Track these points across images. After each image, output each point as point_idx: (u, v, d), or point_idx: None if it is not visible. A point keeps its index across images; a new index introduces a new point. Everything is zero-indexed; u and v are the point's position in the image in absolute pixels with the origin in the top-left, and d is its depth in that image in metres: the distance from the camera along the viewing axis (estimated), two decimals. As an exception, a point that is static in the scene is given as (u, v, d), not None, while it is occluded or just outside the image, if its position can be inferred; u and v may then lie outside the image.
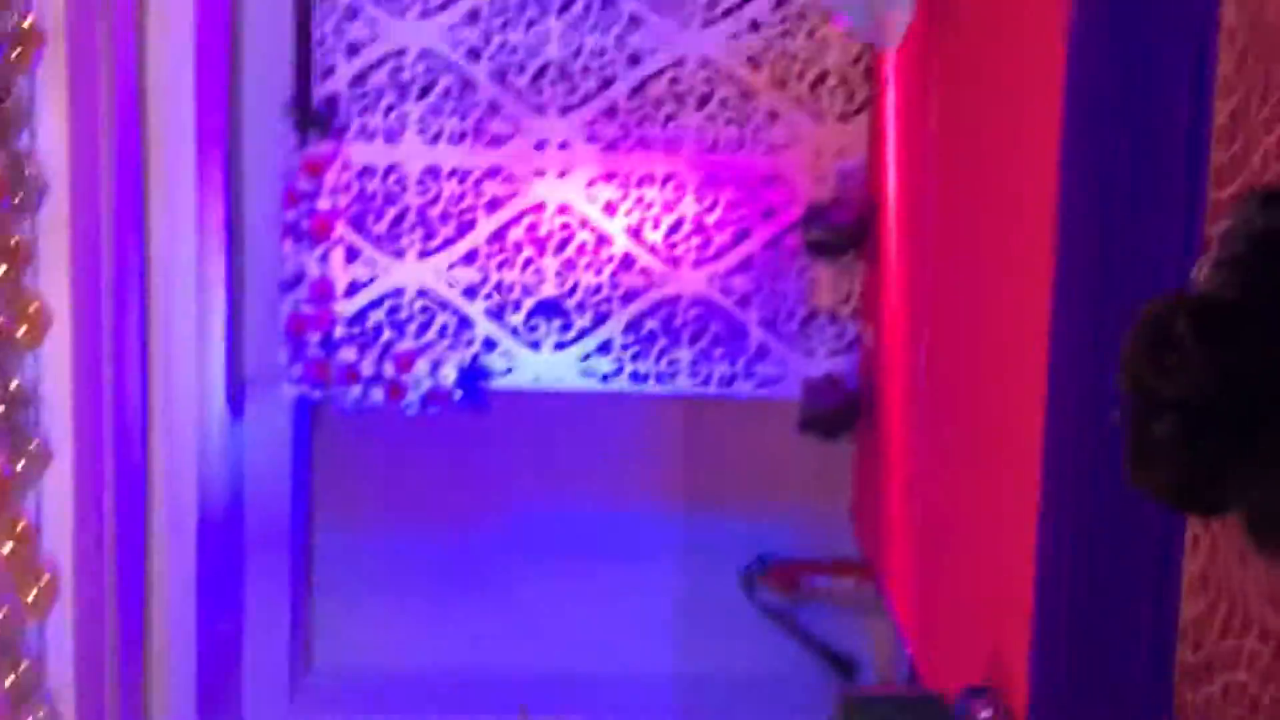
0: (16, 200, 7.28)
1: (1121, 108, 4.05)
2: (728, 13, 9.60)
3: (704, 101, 9.65)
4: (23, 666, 7.43)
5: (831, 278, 9.74)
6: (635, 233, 9.67)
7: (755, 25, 9.61)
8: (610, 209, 9.68)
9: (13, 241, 7.33)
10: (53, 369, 7.57)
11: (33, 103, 7.47)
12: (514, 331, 9.79)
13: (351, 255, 9.82)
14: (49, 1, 7.41)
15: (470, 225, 9.80)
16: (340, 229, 9.71)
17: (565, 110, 9.68)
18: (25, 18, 7.30)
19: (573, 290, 9.77)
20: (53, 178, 7.52)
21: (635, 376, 9.79)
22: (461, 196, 9.76)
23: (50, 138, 7.53)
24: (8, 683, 7.34)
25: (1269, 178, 3.46)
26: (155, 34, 8.65)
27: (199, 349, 9.15)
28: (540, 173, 9.71)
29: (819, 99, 9.68)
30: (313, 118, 9.57)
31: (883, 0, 7.43)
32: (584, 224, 9.71)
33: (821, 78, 9.65)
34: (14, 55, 7.25)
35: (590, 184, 9.67)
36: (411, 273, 9.84)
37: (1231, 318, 1.97)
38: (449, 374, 9.66)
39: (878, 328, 8.89)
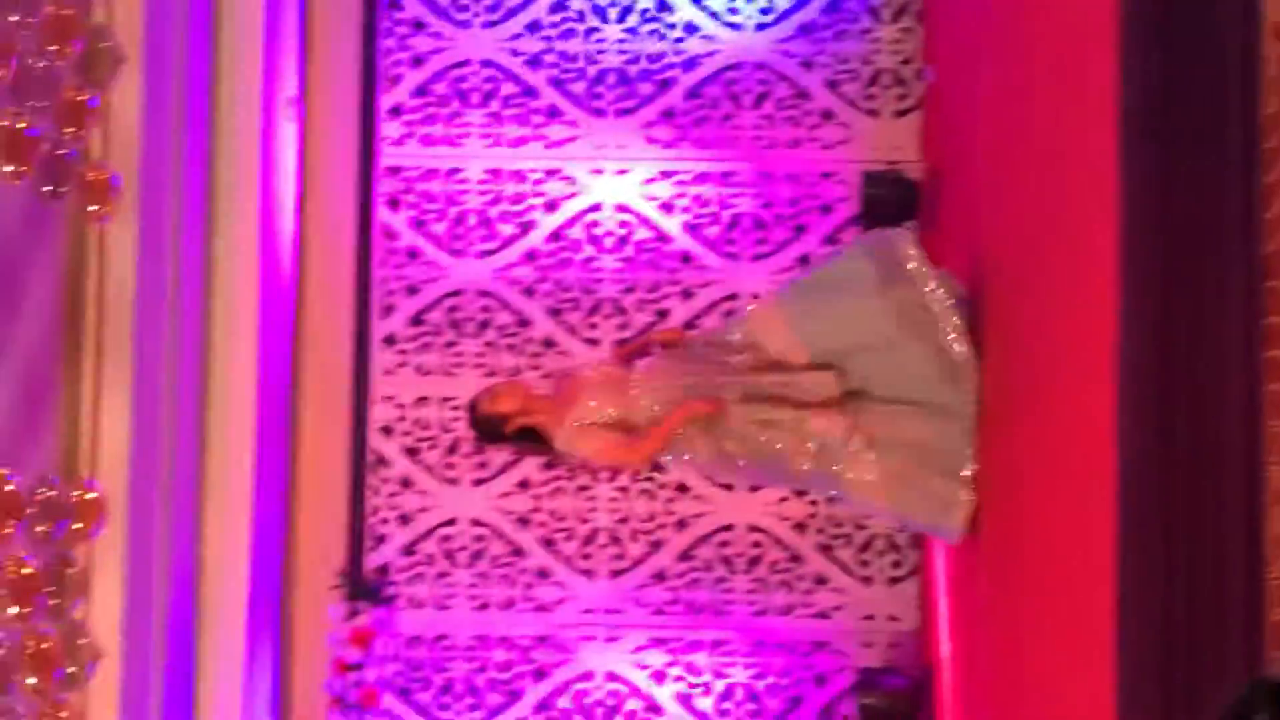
0: (69, 671, 7.29)
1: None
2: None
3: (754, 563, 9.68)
4: None
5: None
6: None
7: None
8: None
9: (63, 714, 7.29)
10: None
11: (89, 573, 7.58)
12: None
13: (398, 728, 9.69)
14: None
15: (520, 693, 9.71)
16: (387, 701, 9.61)
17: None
18: (89, 490, 7.48)
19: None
20: (106, 647, 7.56)
21: None
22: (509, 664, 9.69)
23: (105, 608, 7.61)
24: None
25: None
26: (213, 512, 8.80)
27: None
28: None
29: (868, 565, 9.69)
30: (363, 587, 9.60)
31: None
32: None
33: (869, 543, 9.68)
34: (74, 526, 7.39)
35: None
36: (459, 746, 9.69)
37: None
38: None
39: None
